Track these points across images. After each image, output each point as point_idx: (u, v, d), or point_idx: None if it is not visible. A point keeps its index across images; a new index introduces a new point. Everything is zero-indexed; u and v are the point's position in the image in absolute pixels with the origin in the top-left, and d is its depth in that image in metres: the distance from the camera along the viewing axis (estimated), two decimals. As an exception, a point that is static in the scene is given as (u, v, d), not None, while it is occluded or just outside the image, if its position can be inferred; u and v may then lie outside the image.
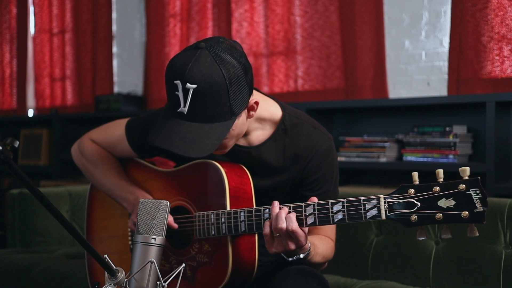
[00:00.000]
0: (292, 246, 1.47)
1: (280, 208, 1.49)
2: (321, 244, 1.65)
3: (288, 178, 1.71)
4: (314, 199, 1.50)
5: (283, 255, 1.54)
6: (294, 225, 1.45)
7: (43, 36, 4.72)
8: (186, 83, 1.41)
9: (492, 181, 2.41)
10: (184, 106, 1.43)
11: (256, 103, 1.54)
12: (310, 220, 1.47)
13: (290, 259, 1.54)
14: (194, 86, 1.41)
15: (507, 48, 2.61)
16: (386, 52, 3.04)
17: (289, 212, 1.48)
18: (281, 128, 1.68)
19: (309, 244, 1.54)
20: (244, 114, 1.53)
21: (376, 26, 3.03)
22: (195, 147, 1.43)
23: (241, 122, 1.53)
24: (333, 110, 3.10)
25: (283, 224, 1.45)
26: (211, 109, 1.43)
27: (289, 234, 1.46)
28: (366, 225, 2.21)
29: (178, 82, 1.42)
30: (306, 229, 1.49)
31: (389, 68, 3.04)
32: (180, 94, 1.42)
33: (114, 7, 4.32)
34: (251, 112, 1.55)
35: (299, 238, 1.46)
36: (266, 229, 1.50)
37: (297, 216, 1.47)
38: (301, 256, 1.53)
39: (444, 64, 2.89)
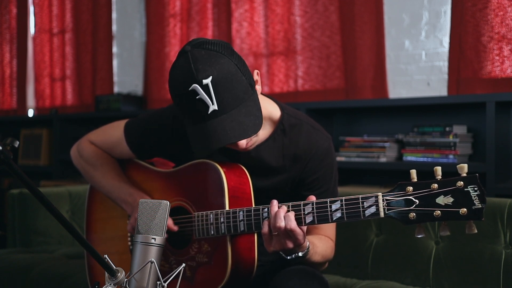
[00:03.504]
0: (290, 244, 1.48)
1: (278, 207, 1.49)
2: (321, 244, 1.65)
3: (288, 178, 1.71)
4: (313, 198, 1.50)
5: (281, 253, 1.55)
6: (293, 224, 1.45)
7: (43, 36, 4.72)
8: (202, 82, 1.42)
9: (492, 181, 2.41)
10: (213, 103, 1.43)
11: (258, 73, 1.55)
12: (308, 218, 1.47)
13: (288, 257, 1.55)
14: (210, 78, 1.42)
15: (507, 48, 2.61)
16: (386, 52, 3.03)
17: (288, 211, 1.48)
18: (280, 128, 1.68)
19: (308, 243, 1.54)
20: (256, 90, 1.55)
21: (376, 26, 3.03)
22: (248, 127, 1.45)
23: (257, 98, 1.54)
24: (333, 110, 3.10)
25: (281, 223, 1.46)
26: (235, 91, 1.44)
27: (288, 233, 1.46)
28: (366, 225, 2.21)
29: (195, 85, 1.42)
30: (305, 227, 1.49)
31: (389, 68, 3.04)
32: (203, 95, 1.43)
33: (114, 7, 4.32)
34: (257, 86, 1.55)
35: (297, 237, 1.46)
36: (265, 228, 1.50)
37: (295, 215, 1.47)
38: (300, 254, 1.53)
39: (444, 64, 2.89)
